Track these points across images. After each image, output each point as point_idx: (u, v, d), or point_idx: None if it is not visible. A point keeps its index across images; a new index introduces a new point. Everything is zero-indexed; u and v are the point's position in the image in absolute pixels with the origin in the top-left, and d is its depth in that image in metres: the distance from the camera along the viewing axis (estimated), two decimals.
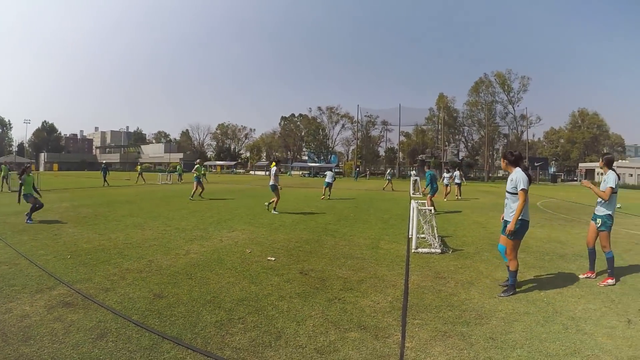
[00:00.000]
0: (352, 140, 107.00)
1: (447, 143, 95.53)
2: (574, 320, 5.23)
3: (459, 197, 25.85)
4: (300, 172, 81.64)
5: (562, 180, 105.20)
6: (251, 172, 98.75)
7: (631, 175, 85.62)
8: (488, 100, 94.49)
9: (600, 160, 7.48)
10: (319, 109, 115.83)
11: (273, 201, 16.01)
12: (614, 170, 7.27)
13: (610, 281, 6.94)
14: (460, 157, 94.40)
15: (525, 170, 6.38)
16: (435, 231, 9.83)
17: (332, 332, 4.68)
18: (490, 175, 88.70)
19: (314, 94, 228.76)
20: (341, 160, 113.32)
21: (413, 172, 36.07)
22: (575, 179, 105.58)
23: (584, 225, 14.15)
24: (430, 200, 17.28)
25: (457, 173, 27.45)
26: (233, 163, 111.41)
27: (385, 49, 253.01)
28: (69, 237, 10.17)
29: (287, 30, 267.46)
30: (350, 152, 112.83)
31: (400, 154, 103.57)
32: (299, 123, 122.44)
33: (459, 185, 26.69)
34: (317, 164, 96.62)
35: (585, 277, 7.30)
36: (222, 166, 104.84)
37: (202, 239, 10.36)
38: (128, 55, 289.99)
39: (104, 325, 4.66)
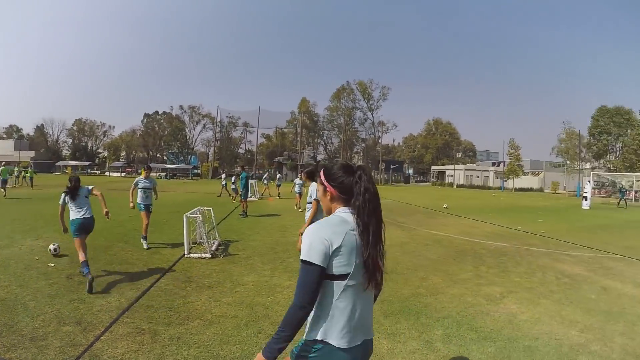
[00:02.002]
0: (213, 141, 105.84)
1: (306, 146, 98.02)
2: (275, 325, 5.36)
3: (299, 207, 22.99)
4: (158, 174, 79.02)
5: (417, 182, 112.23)
6: (106, 174, 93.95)
7: (478, 177, 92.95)
8: (349, 107, 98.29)
9: (302, 174, 8.23)
10: (181, 107, 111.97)
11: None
12: (316, 181, 8.25)
13: None
14: (318, 160, 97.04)
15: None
16: (205, 237, 10.51)
17: (53, 325, 5.39)
18: None
19: (177, 91, 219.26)
20: (202, 161, 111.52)
21: (223, 175, 35.64)
22: (427, 180, 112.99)
23: (394, 228, 15.87)
24: (244, 203, 18.28)
25: (297, 180, 25.06)
26: (87, 163, 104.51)
27: (252, 51, 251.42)
28: None
29: (151, 23, 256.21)
30: (210, 153, 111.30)
31: (260, 156, 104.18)
32: (162, 121, 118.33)
33: (299, 193, 23.82)
34: (176, 165, 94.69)
35: None
36: (74, 167, 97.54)
37: (4, 247, 10.50)
38: None
39: None
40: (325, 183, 2.46)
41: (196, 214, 10.67)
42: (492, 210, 27.13)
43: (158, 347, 4.91)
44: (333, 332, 2.25)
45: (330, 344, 2.25)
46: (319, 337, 2.26)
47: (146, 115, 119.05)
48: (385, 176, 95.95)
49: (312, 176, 8.11)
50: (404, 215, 21.06)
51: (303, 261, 2.20)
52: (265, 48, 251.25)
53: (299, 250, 2.38)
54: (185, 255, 10.03)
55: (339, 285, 2.23)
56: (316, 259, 2.17)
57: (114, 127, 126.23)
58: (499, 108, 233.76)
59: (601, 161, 78.65)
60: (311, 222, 7.40)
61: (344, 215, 2.34)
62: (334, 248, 2.19)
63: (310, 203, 7.70)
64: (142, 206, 11.40)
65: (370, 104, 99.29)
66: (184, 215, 10.40)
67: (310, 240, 2.21)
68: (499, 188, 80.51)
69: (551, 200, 47.02)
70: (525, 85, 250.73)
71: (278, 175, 29.69)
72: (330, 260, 2.20)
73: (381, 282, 2.42)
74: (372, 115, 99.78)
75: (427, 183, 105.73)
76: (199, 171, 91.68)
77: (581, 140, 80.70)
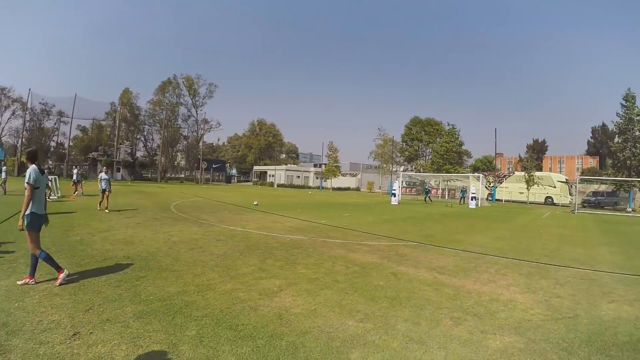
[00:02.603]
0: (21, 132, 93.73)
1: (124, 141, 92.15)
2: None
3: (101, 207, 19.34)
4: None
5: (239, 182, 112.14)
6: None
7: (298, 177, 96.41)
8: (173, 102, 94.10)
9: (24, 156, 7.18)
10: None
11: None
12: (36, 165, 6.84)
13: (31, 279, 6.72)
14: (136, 157, 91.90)
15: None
16: None
17: None
18: (166, 175, 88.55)
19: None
20: (9, 154, 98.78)
21: (4, 169, 31.15)
22: (249, 180, 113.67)
23: (190, 225, 14.75)
24: None
25: (102, 175, 20.07)
26: None
27: (73, 31, 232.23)
28: None
29: None
30: (20, 144, 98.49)
31: (73, 150, 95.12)
32: None
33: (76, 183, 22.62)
34: None
35: (24, 283, 6.65)
36: None
37: None
38: None
39: None
40: None
41: None
42: (304, 207, 27.21)
43: None
44: None
45: None
46: None
47: None
48: (208, 176, 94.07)
49: (32, 158, 6.72)
50: (209, 212, 19.91)
51: None
52: (88, 29, 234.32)
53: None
54: None
55: None
56: None
57: None
58: (326, 114, 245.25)
59: (412, 164, 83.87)
60: (27, 206, 6.41)
61: None
62: None
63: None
64: None
65: (195, 100, 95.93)
66: None
67: None
68: (318, 187, 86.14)
69: (365, 198, 49.59)
70: (349, 93, 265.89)
71: (75, 171, 26.89)
72: None
73: None
74: (197, 112, 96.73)
75: (250, 183, 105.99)
76: (3, 167, 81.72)
77: (395, 145, 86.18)
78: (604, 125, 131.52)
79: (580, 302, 7.09)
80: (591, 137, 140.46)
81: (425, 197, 43.66)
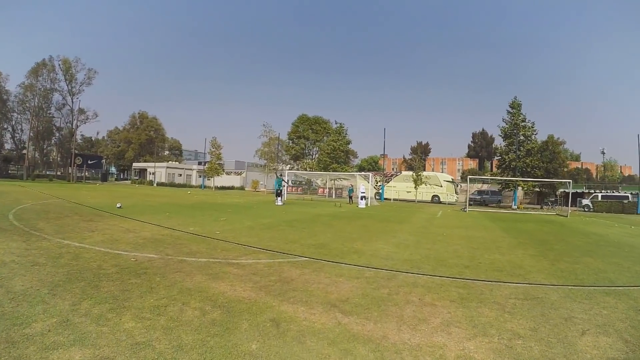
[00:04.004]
0: None
1: None
2: None
3: None
4: None
5: (118, 180, 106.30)
6: None
7: (180, 175, 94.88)
8: (47, 87, 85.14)
9: None
10: None
11: None
12: None
13: None
14: (1, 150, 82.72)
15: None
16: None
17: None
18: (35, 172, 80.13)
19: None
20: None
21: None
22: (128, 178, 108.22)
23: (14, 239, 10.65)
24: None
25: None
26: None
27: None
28: None
29: None
30: None
31: None
32: None
33: None
34: None
35: None
36: None
37: None
38: None
39: None
40: None
41: None
42: (175, 209, 23.75)
43: None
44: None
45: None
46: None
47: None
48: (82, 173, 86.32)
49: None
50: (53, 219, 15.77)
51: None
52: None
53: None
54: None
55: None
56: None
57: None
58: (213, 111, 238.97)
59: (299, 162, 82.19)
60: None
61: None
62: None
63: None
64: None
65: (71, 86, 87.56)
66: None
67: None
68: (200, 186, 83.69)
69: (248, 197, 47.00)
70: (237, 91, 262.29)
71: None
72: None
73: None
74: (72, 100, 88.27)
75: (128, 181, 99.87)
76: None
77: (282, 143, 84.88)
78: (483, 130, 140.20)
79: (550, 341, 5.00)
80: (472, 141, 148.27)
81: (277, 191, 36.45)
